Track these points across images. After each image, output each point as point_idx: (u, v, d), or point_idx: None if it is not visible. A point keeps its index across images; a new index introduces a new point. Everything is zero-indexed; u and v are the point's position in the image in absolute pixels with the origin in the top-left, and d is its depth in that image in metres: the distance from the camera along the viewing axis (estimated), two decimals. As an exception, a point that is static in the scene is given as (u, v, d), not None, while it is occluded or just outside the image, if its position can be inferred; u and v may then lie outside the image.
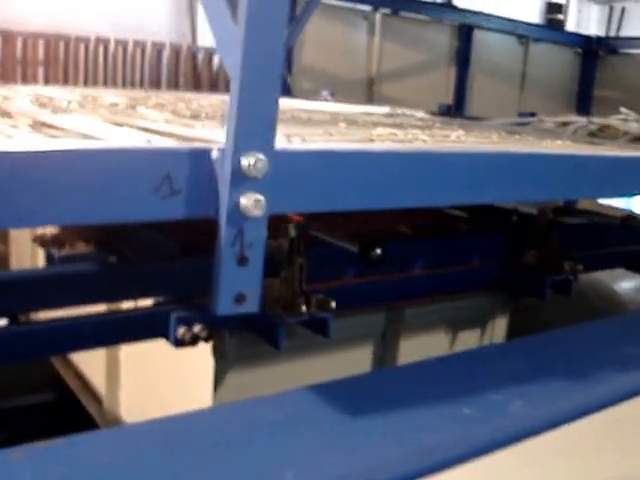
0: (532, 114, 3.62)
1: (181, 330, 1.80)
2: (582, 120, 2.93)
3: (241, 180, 1.13)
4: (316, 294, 1.84)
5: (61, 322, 1.73)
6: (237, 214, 1.15)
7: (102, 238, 2.46)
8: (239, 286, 1.23)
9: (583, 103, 7.51)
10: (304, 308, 1.79)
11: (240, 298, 1.23)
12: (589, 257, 2.78)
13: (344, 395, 1.44)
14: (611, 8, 8.36)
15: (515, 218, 2.56)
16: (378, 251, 1.70)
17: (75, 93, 3.11)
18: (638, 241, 2.96)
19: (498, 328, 2.69)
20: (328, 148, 1.39)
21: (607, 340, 1.92)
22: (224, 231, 1.16)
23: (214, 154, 1.15)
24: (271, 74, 1.15)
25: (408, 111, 3.62)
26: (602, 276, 3.49)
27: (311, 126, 2.08)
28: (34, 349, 1.75)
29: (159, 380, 2.39)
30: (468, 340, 2.61)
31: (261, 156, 1.13)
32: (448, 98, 6.57)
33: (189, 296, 1.90)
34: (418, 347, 2.47)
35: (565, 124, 2.98)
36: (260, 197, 1.14)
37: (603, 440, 1.53)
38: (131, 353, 1.96)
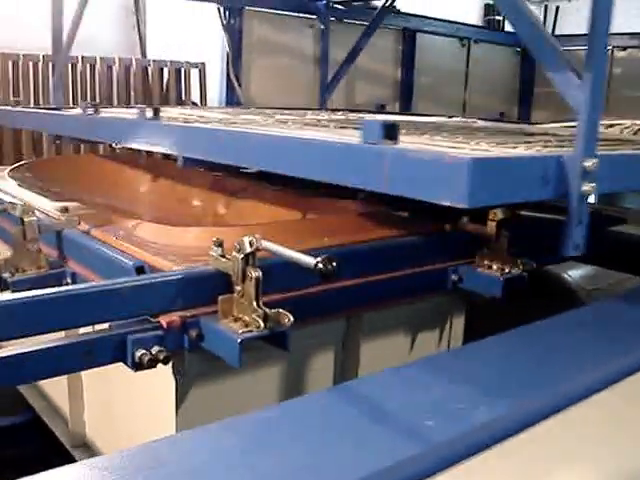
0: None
1: (138, 353, 1.79)
2: (626, 122, 3.06)
3: (584, 175, 1.74)
4: (274, 307, 1.85)
5: (11, 353, 1.71)
6: (580, 196, 1.75)
7: (55, 263, 2.46)
8: (578, 239, 1.83)
9: (524, 100, 7.65)
10: (261, 324, 1.79)
11: (577, 247, 1.84)
12: (543, 251, 2.83)
13: (299, 416, 1.44)
14: (546, 7, 8.53)
15: (466, 219, 2.58)
16: (333, 264, 1.70)
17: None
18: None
19: (456, 327, 2.73)
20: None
21: (565, 337, 1.95)
22: (574, 206, 1.76)
23: (565, 159, 1.75)
24: (599, 108, 1.79)
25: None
26: (557, 268, 3.55)
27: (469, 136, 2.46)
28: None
29: (122, 399, 2.38)
30: (428, 341, 2.65)
31: (594, 160, 1.74)
32: (395, 100, 6.63)
33: (147, 316, 1.90)
34: (379, 352, 2.49)
35: (611, 126, 3.35)
36: (593, 185, 1.74)
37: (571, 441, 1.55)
38: (93, 372, 1.95)
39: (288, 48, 5.99)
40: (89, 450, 2.67)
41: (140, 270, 2.00)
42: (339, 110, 5.77)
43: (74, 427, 2.71)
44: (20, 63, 6.84)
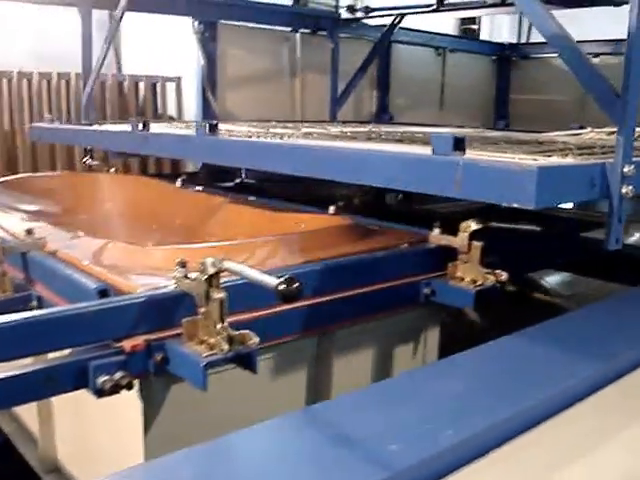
0: (581, 127, 4.30)
1: (101, 379, 1.75)
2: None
3: (624, 179, 1.99)
4: (239, 328, 1.81)
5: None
6: (620, 197, 2.00)
7: (21, 286, 2.42)
8: (618, 234, 2.04)
9: (500, 107, 7.68)
10: (225, 346, 1.75)
11: (617, 242, 2.06)
12: (516, 261, 2.82)
13: (258, 443, 1.41)
14: (520, 15, 8.56)
15: (437, 231, 2.56)
16: (295, 285, 1.66)
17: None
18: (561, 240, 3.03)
19: (431, 341, 2.68)
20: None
21: (539, 349, 1.92)
22: (615, 206, 2.00)
23: (608, 166, 2.01)
24: (634, 122, 2.04)
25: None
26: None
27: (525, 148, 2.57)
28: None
29: (92, 424, 2.33)
30: (402, 356, 2.60)
31: (632, 166, 1.99)
32: (371, 110, 6.62)
33: (111, 341, 1.86)
34: (353, 369, 2.44)
35: (612, 133, 3.22)
36: (631, 187, 1.99)
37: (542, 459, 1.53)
38: (63, 395, 1.91)
39: (263, 61, 5.96)
40: (61, 476, 2.61)
41: (103, 293, 1.96)
42: (351, 122, 5.95)
43: (45, 451, 2.66)
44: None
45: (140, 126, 3.65)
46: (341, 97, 6.30)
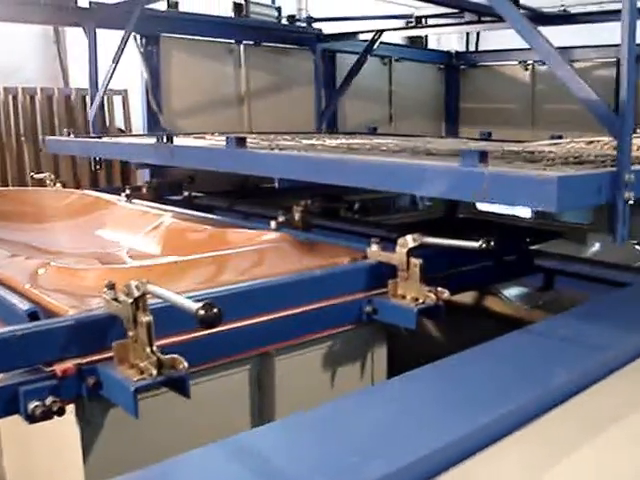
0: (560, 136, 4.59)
1: (31, 405, 1.73)
2: (605, 139, 3.37)
3: (626, 186, 2.17)
4: (172, 351, 1.81)
5: None
6: (624, 202, 2.18)
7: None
8: (624, 234, 2.20)
9: (450, 116, 7.73)
10: (153, 371, 1.75)
11: (622, 239, 2.21)
12: (456, 278, 2.82)
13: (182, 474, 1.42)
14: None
15: (377, 247, 2.56)
16: (215, 310, 1.66)
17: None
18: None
19: (378, 359, 2.65)
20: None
21: (486, 369, 1.89)
22: (620, 209, 2.19)
23: (612, 174, 2.19)
24: (630, 135, 2.24)
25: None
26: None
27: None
28: None
29: (36, 447, 2.29)
30: (349, 376, 2.57)
31: (632, 174, 2.17)
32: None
33: (41, 365, 1.84)
34: (297, 391, 2.41)
35: (591, 142, 3.63)
36: (632, 193, 2.17)
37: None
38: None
39: (208, 73, 5.93)
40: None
41: (33, 316, 1.93)
42: (338, 133, 6.11)
43: (-6, 474, 2.62)
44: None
45: (165, 139, 3.76)
46: (326, 109, 6.47)
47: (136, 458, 2.02)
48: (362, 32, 6.44)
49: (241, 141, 3.23)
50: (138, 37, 5.44)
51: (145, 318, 1.76)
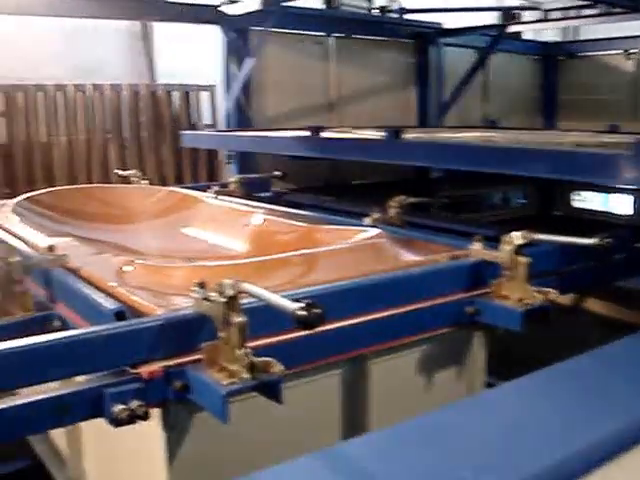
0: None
1: (116, 408, 1.64)
2: None
3: None
4: (263, 353, 1.69)
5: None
6: None
7: (43, 305, 2.33)
8: None
9: (548, 108, 7.48)
10: (245, 375, 1.63)
11: None
12: (566, 277, 2.65)
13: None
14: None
15: (479, 245, 2.42)
16: (316, 311, 1.52)
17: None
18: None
19: (477, 363, 2.51)
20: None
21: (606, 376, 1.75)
22: None
23: None
24: None
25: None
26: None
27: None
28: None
29: (118, 449, 2.22)
30: (445, 380, 2.43)
31: None
32: (411, 115, 6.50)
33: (127, 367, 1.75)
34: (390, 397, 2.28)
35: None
36: None
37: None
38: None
39: (296, 66, 5.86)
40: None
41: (120, 315, 1.85)
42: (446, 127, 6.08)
43: (74, 474, 2.56)
44: (30, 93, 6.79)
45: (316, 132, 3.91)
46: (449, 103, 6.54)
47: (221, 465, 1.96)
48: (485, 27, 6.33)
49: (398, 133, 3.39)
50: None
51: (238, 318, 1.65)
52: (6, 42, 6.90)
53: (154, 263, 2.44)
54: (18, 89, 6.75)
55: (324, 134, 4.02)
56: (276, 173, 4.68)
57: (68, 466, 2.59)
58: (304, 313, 1.52)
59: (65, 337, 1.71)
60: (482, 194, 5.62)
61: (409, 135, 3.74)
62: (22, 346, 1.64)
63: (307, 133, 4.07)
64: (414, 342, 2.30)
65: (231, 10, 5.19)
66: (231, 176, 4.78)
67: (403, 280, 2.27)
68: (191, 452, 1.89)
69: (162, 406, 1.79)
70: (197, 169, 7.50)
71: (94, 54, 7.46)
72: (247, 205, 3.65)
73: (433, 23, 6.61)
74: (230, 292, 1.64)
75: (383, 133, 3.47)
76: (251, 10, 5.07)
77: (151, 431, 1.83)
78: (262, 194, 4.58)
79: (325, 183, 5.46)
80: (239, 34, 5.43)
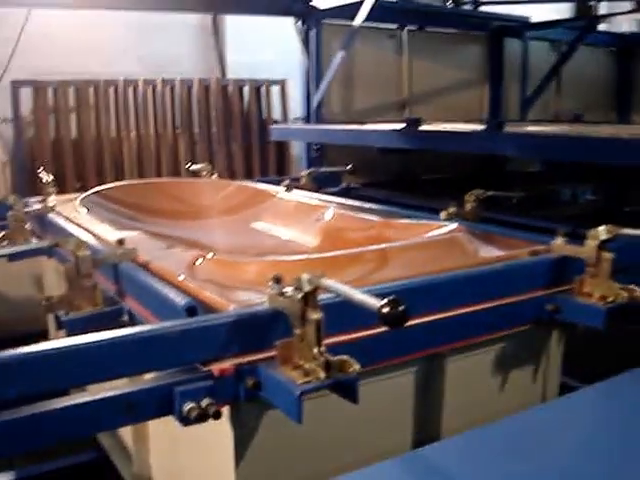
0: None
1: (186, 407, 1.58)
2: None
3: None
4: (336, 350, 1.62)
5: (41, 409, 1.52)
6: None
7: (112, 299, 2.29)
8: None
9: (623, 103, 7.25)
10: (321, 374, 1.56)
11: None
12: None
13: None
14: (640, 4, 8.06)
15: (561, 240, 2.31)
16: (402, 308, 1.44)
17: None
18: None
19: (552, 364, 2.41)
20: None
21: None
22: None
23: None
24: None
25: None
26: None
27: None
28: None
29: (185, 446, 2.17)
30: (520, 381, 2.34)
31: None
32: (483, 108, 6.38)
33: (197, 364, 1.69)
34: (464, 397, 2.21)
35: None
36: None
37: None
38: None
39: (368, 60, 5.77)
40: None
41: (191, 311, 1.79)
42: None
43: (140, 469, 2.52)
44: (101, 88, 6.85)
45: (414, 124, 3.96)
46: (532, 98, 6.44)
47: (290, 464, 1.91)
48: (572, 19, 6.20)
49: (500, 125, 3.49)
50: (299, 23, 5.33)
51: (315, 315, 1.57)
52: (78, 38, 6.98)
53: (225, 257, 2.38)
54: (89, 84, 6.82)
55: (422, 126, 4.04)
56: (348, 167, 4.59)
57: (134, 460, 2.55)
58: (388, 310, 1.43)
59: (136, 333, 1.66)
60: (553, 190, 5.49)
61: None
62: (92, 342, 1.59)
63: (402, 125, 4.07)
64: (490, 340, 2.22)
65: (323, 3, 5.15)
66: (301, 170, 4.73)
67: (483, 276, 2.18)
68: (260, 451, 1.83)
69: (232, 404, 1.72)
70: (267, 163, 7.48)
71: (165, 49, 7.49)
72: (319, 199, 3.58)
73: (510, 16, 6.47)
74: (307, 287, 1.56)
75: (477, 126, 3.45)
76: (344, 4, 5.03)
77: (220, 429, 1.77)
78: (332, 188, 4.51)
79: (395, 177, 5.38)
80: (313, 27, 5.36)
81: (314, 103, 5.47)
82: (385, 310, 1.43)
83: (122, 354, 1.61)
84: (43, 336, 3.70)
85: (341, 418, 1.91)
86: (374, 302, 1.46)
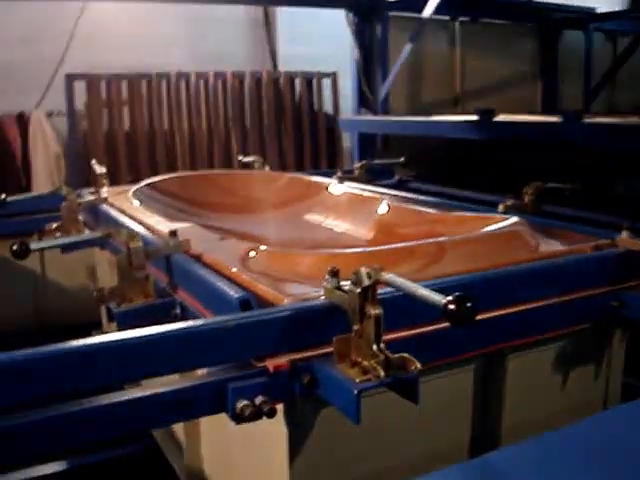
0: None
1: (240, 404, 1.53)
2: None
3: None
4: (395, 346, 1.55)
5: (92, 405, 1.48)
6: None
7: (164, 291, 2.26)
8: None
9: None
10: (381, 372, 1.49)
11: None
12: None
13: None
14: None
15: (627, 233, 2.23)
16: (469, 305, 1.37)
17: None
18: None
19: (615, 359, 2.33)
20: None
21: None
22: None
23: None
24: None
25: None
26: None
27: None
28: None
29: (236, 439, 2.12)
30: (581, 380, 2.27)
31: None
32: (537, 103, 6.25)
33: (251, 360, 1.64)
34: (525, 394, 2.14)
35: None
36: None
37: None
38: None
39: (422, 51, 5.68)
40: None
41: (245, 305, 1.74)
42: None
43: (191, 461, 2.48)
44: (153, 82, 6.86)
45: (487, 115, 3.96)
46: (596, 91, 6.36)
47: (345, 463, 1.85)
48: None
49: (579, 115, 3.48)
50: (350, 15, 5.27)
51: (375, 310, 1.51)
52: (130, 32, 7.00)
53: (280, 250, 2.33)
54: (142, 78, 6.83)
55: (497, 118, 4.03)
56: (401, 159, 4.52)
57: (185, 452, 2.51)
58: (455, 307, 1.36)
59: (189, 327, 1.62)
60: (608, 183, 5.35)
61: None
62: (145, 336, 1.54)
63: (474, 117, 4.08)
64: (551, 337, 2.14)
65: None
66: (354, 163, 4.68)
67: (546, 271, 2.11)
68: (314, 449, 1.77)
69: (286, 401, 1.67)
70: (318, 156, 7.44)
71: (216, 42, 7.47)
72: (373, 192, 3.52)
73: (567, 6, 6.32)
74: (367, 281, 1.50)
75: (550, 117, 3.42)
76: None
77: (273, 426, 1.71)
78: (385, 181, 4.45)
79: (447, 170, 5.30)
80: (363, 18, 5.30)
81: (381, 96, 5.40)
82: (451, 307, 1.36)
83: (176, 349, 1.57)
84: (96, 327, 3.72)
85: (396, 416, 1.85)
86: (439, 298, 1.39)
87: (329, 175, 4.09)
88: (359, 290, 1.51)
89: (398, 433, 1.92)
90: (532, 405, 2.15)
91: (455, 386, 2.03)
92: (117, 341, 1.52)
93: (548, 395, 2.21)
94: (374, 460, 1.90)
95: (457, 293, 1.36)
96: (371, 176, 4.34)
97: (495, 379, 2.10)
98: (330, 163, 7.42)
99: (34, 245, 2.51)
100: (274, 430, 1.74)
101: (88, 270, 4.05)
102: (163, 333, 1.57)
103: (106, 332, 3.61)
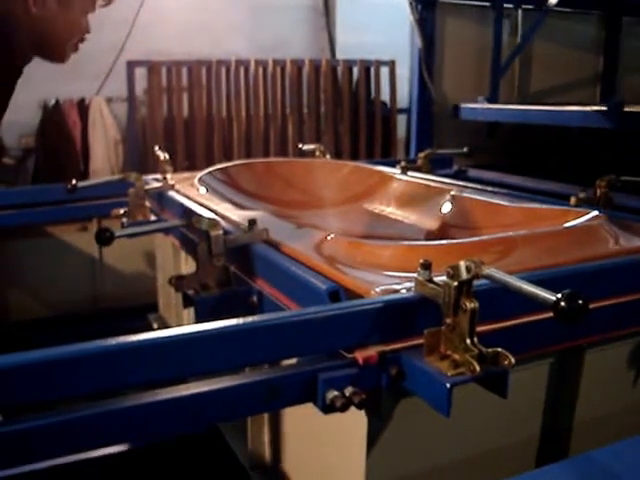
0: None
1: (330, 395, 1.54)
2: None
3: None
4: (481, 340, 1.55)
5: (185, 393, 1.51)
6: None
7: (241, 280, 2.28)
8: None
9: None
10: (476, 366, 1.49)
11: None
12: None
13: None
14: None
15: None
16: (580, 302, 1.34)
17: None
18: None
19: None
20: None
21: None
22: None
23: None
24: None
25: None
26: None
27: None
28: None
29: (306, 426, 2.14)
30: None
31: None
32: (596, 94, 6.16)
33: (341, 351, 1.65)
34: (598, 391, 2.13)
35: None
36: None
37: None
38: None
39: (482, 41, 5.63)
40: (267, 475, 2.43)
41: (334, 296, 1.75)
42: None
43: (254, 448, 2.48)
44: (213, 69, 6.89)
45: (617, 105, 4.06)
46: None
47: (422, 456, 1.87)
48: None
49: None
50: (413, 4, 5.25)
51: (470, 304, 1.50)
52: (189, 20, 7.05)
53: (360, 241, 2.33)
54: (201, 65, 6.87)
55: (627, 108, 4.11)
56: (464, 149, 4.49)
57: (248, 437, 2.51)
58: (566, 305, 1.35)
59: (280, 317, 1.62)
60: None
61: None
62: (240, 325, 1.56)
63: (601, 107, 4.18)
64: (627, 334, 2.12)
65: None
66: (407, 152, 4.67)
67: (629, 266, 2.08)
68: (392, 441, 1.78)
69: (371, 392, 1.67)
70: (373, 144, 7.43)
71: (274, 30, 7.49)
72: (439, 182, 3.50)
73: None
74: (465, 275, 1.50)
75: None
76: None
77: (352, 415, 1.71)
78: (445, 170, 4.43)
79: (509, 160, 5.26)
80: (425, 6, 5.27)
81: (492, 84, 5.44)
82: (563, 304, 1.35)
83: (266, 339, 1.58)
84: (151, 311, 3.77)
85: (473, 409, 1.84)
86: (548, 296, 1.38)
87: (390, 164, 4.08)
88: (456, 284, 1.51)
89: (474, 426, 1.92)
90: (605, 402, 2.14)
91: (531, 380, 2.02)
92: (212, 330, 1.53)
93: (622, 391, 2.20)
94: (451, 452, 1.91)
95: (568, 290, 1.35)
96: (434, 166, 4.32)
97: (571, 374, 2.09)
98: (384, 152, 7.41)
99: (119, 232, 2.55)
100: (353, 420, 1.74)
101: (146, 256, 4.10)
102: (255, 323, 1.58)
103: (162, 316, 3.67)
